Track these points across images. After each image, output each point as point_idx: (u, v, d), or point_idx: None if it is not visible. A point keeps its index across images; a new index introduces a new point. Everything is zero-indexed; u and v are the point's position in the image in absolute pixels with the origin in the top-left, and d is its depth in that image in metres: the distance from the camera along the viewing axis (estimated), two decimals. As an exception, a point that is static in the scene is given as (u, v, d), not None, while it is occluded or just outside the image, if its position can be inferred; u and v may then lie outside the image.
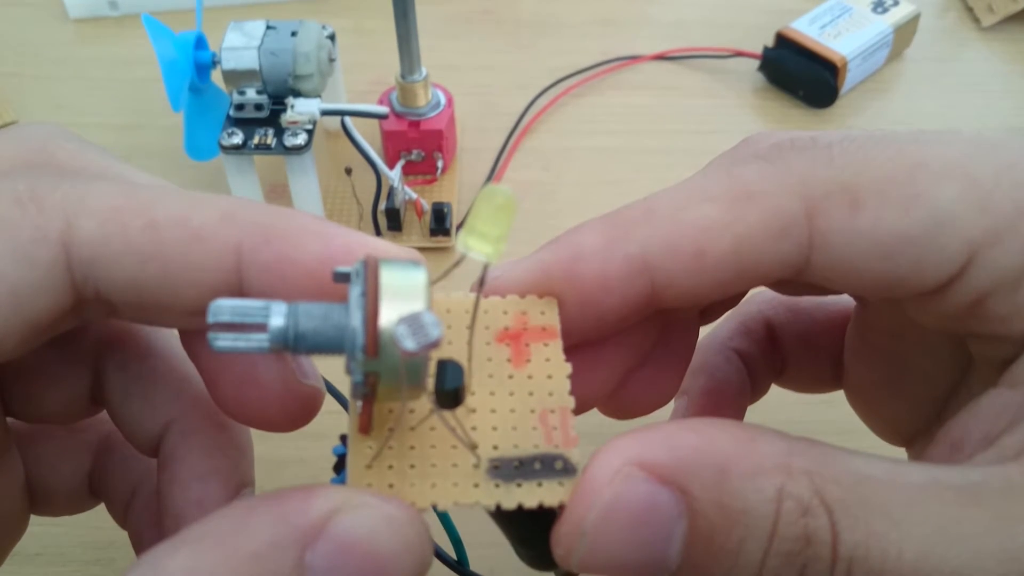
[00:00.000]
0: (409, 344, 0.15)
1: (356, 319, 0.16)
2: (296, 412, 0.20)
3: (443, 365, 0.17)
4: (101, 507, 0.26)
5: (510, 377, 0.19)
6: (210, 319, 0.17)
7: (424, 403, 0.18)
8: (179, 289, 0.18)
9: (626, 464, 0.16)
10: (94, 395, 0.23)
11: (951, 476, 0.16)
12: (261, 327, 0.17)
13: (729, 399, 0.27)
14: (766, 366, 0.28)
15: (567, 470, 0.18)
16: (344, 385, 0.19)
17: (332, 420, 0.22)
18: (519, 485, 0.17)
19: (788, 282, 0.20)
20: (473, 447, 0.18)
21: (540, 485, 0.17)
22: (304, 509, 0.15)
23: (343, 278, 0.17)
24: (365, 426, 0.18)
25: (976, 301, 0.18)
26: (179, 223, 0.18)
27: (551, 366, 0.19)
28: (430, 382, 0.17)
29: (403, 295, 0.16)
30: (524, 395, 0.19)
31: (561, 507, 0.17)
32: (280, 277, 0.18)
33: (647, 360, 0.23)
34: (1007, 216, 0.18)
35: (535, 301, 0.20)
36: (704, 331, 0.26)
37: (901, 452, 0.25)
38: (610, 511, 0.16)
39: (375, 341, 0.16)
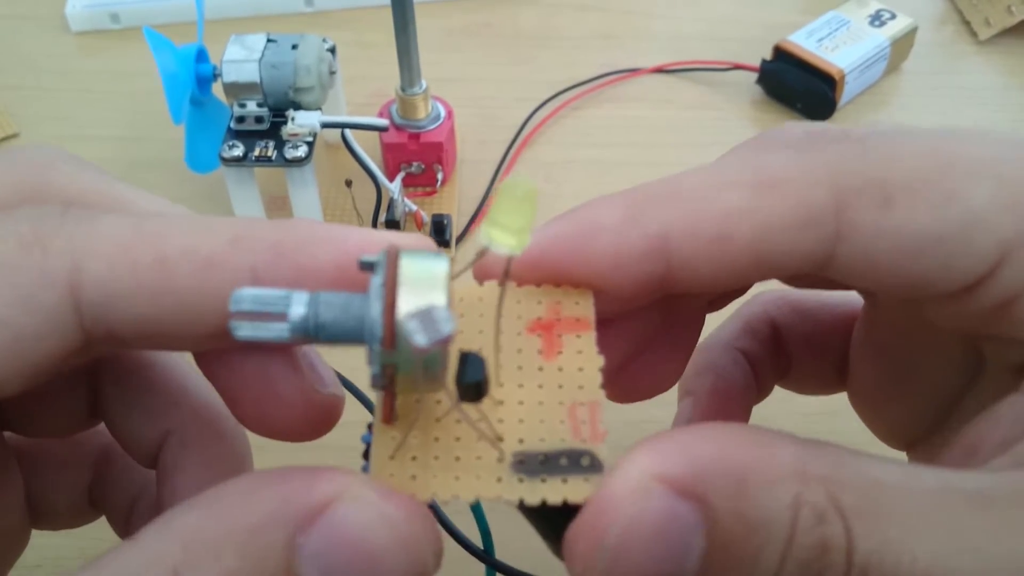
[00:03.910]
0: (420, 339, 0.15)
1: (375, 310, 0.16)
2: (317, 422, 0.20)
3: (465, 358, 0.17)
4: (100, 519, 0.26)
5: (540, 369, 0.19)
6: (232, 307, 0.17)
7: (450, 394, 0.17)
8: (195, 319, 0.18)
9: (646, 478, 0.16)
10: (91, 408, 0.23)
11: (965, 482, 0.16)
12: (282, 316, 0.17)
13: (736, 400, 0.27)
14: (771, 367, 0.27)
15: (594, 467, 0.17)
16: (363, 377, 0.18)
17: (352, 406, 0.22)
18: (543, 481, 0.17)
19: (804, 276, 0.20)
20: (498, 440, 0.18)
21: (565, 481, 0.17)
22: (306, 491, 0.16)
23: (369, 267, 0.17)
24: (388, 416, 0.18)
25: (1003, 303, 0.18)
26: (189, 254, 0.18)
27: (583, 358, 0.19)
28: (452, 374, 0.17)
29: (423, 286, 0.16)
30: (553, 387, 0.18)
31: (587, 503, 0.17)
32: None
33: (651, 344, 0.23)
34: None
35: (570, 291, 0.20)
36: (707, 329, 0.26)
37: (903, 456, 0.25)
38: (631, 527, 0.16)
39: (392, 333, 0.16)
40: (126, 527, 0.25)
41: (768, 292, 0.27)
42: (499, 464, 0.17)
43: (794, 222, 0.18)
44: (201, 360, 0.20)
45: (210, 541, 0.15)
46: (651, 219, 0.19)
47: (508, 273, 0.18)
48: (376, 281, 0.16)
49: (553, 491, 0.17)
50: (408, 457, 0.17)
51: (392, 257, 0.16)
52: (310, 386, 0.20)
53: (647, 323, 0.22)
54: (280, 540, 0.15)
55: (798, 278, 0.23)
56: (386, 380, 0.16)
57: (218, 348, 0.19)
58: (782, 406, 0.29)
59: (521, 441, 0.18)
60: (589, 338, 0.19)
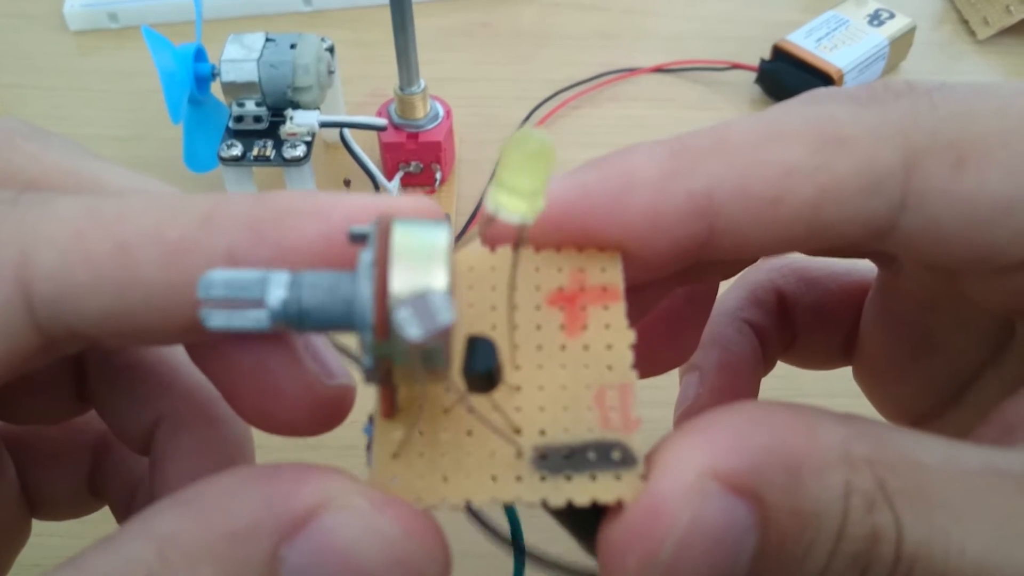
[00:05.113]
0: (414, 332, 0.13)
1: (365, 293, 0.14)
2: (326, 417, 0.18)
3: (473, 343, 0.15)
4: (100, 515, 0.25)
5: (562, 348, 0.16)
6: (201, 294, 0.15)
7: (458, 383, 0.16)
8: (166, 312, 0.16)
9: (702, 478, 0.14)
10: (80, 392, 0.22)
11: (1010, 463, 0.15)
12: (259, 303, 0.15)
13: (744, 373, 0.25)
14: (777, 338, 0.26)
15: (626, 460, 0.15)
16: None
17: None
18: (568, 478, 0.15)
19: (851, 248, 0.18)
20: (516, 432, 0.16)
21: (594, 479, 0.15)
22: (292, 495, 0.14)
23: (360, 239, 0.15)
24: (388, 410, 0.16)
25: None
26: (153, 239, 0.16)
27: (611, 334, 0.17)
28: (459, 363, 0.15)
29: (420, 262, 0.14)
30: (578, 368, 0.16)
31: (618, 505, 0.15)
32: None
33: (666, 314, 0.21)
34: None
35: (595, 255, 0.17)
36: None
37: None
38: (690, 537, 0.14)
39: (385, 320, 0.14)
40: (126, 517, 0.24)
41: (773, 259, 0.26)
42: (517, 461, 0.15)
43: (859, 186, 0.16)
44: (193, 352, 0.19)
45: (187, 548, 0.14)
46: (696, 174, 0.17)
47: (521, 241, 0.16)
48: (366, 258, 0.14)
49: (580, 490, 0.15)
50: (414, 455, 0.15)
51: (384, 229, 0.14)
52: (315, 378, 0.18)
53: (665, 289, 0.20)
54: (262, 551, 0.14)
55: (843, 249, 0.21)
56: (381, 374, 0.15)
57: (205, 340, 0.18)
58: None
59: (543, 433, 0.16)
60: (618, 310, 0.17)
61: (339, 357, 0.19)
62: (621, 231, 0.17)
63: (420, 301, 0.13)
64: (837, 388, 0.26)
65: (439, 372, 0.15)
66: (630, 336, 0.17)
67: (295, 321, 0.15)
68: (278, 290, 0.15)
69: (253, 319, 0.15)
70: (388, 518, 0.14)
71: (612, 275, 0.17)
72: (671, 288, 0.21)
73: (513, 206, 0.15)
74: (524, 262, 0.17)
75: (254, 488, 0.14)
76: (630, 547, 0.14)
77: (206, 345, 0.18)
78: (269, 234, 0.16)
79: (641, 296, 0.19)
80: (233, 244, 0.16)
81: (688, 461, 0.14)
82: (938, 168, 0.16)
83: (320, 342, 0.19)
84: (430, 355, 0.14)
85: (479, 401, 0.16)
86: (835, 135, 0.16)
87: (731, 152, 0.17)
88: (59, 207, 0.16)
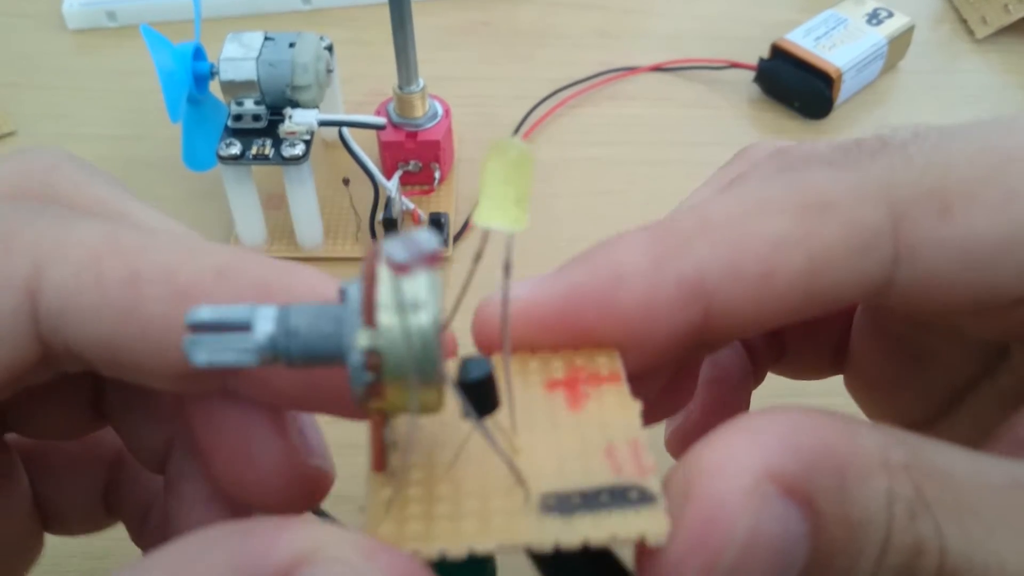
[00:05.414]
0: (399, 253, 0.13)
1: (355, 295, 0.14)
2: (299, 495, 0.18)
3: (465, 360, 0.15)
4: (115, 531, 0.25)
5: (566, 419, 0.16)
6: (187, 320, 0.15)
7: (450, 427, 0.15)
8: (161, 352, 0.16)
9: (759, 480, 0.13)
10: (96, 408, 0.21)
11: None
12: (245, 327, 0.14)
13: (734, 387, 0.25)
14: (766, 351, 0.26)
15: (644, 499, 0.14)
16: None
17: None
18: (582, 519, 0.14)
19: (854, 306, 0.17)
20: (521, 482, 0.15)
21: (611, 514, 0.14)
22: (268, 550, 0.13)
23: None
24: (379, 462, 0.15)
25: None
26: (164, 278, 0.16)
27: (617, 405, 0.16)
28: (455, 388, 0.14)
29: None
30: (587, 431, 0.15)
31: (640, 546, 0.14)
32: None
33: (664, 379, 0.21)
34: None
35: (592, 353, 0.17)
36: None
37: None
38: (750, 544, 0.13)
39: (372, 305, 0.13)
40: (140, 534, 0.23)
41: None
42: (524, 505, 0.14)
43: (849, 248, 0.16)
44: (183, 405, 0.18)
45: None
46: (684, 258, 0.16)
47: (508, 268, 0.15)
48: (355, 287, 0.14)
49: (598, 526, 0.14)
50: (411, 501, 0.15)
51: (374, 249, 0.14)
52: (295, 453, 0.17)
53: (662, 376, 0.20)
54: None
55: (887, 330, 0.20)
56: (371, 377, 0.14)
57: (193, 393, 0.17)
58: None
59: (550, 480, 0.14)
60: (622, 389, 0.16)
61: (323, 441, 0.19)
62: (616, 326, 0.17)
63: (406, 237, 0.13)
64: (836, 387, 0.26)
65: (433, 380, 0.14)
66: (636, 405, 0.16)
67: (283, 349, 0.14)
68: (266, 321, 0.15)
69: (239, 348, 0.14)
70: (380, 567, 0.13)
71: (612, 367, 0.17)
72: (668, 372, 0.20)
73: (501, 218, 0.14)
74: (518, 363, 0.17)
75: (223, 547, 0.13)
76: (687, 558, 0.13)
77: (195, 398, 0.18)
78: (275, 297, 0.16)
79: (640, 384, 0.19)
80: (239, 299, 0.16)
81: (742, 462, 0.13)
82: (925, 218, 0.16)
83: (308, 421, 0.19)
84: (423, 360, 0.14)
85: (480, 450, 0.15)
86: (818, 201, 0.16)
87: (716, 231, 0.16)
88: (81, 226, 0.16)
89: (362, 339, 0.14)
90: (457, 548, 0.14)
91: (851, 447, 0.14)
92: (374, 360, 0.14)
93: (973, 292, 0.16)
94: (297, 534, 0.13)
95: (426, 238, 0.13)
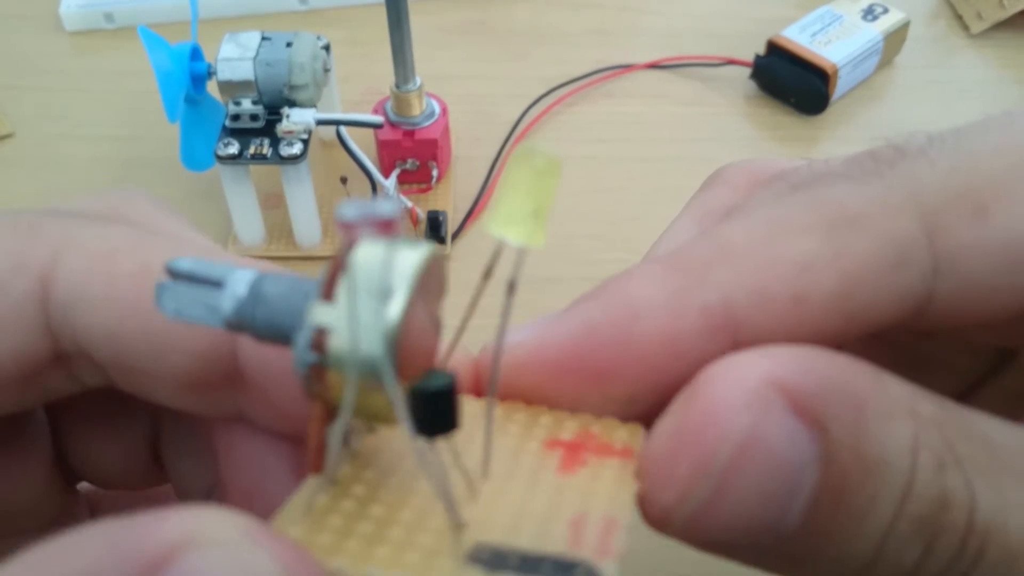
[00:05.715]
0: (349, 212, 0.12)
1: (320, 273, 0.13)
2: None
3: (430, 372, 0.13)
4: None
5: (549, 478, 0.14)
6: (167, 267, 0.14)
7: (397, 439, 0.14)
8: (164, 351, 0.16)
9: (764, 384, 0.13)
10: (155, 451, 0.21)
11: None
12: (219, 283, 0.14)
13: None
14: None
15: None
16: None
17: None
18: None
19: (890, 332, 0.16)
20: (459, 525, 0.13)
21: None
22: (147, 536, 0.12)
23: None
24: (316, 462, 0.13)
25: None
26: None
27: (613, 480, 0.14)
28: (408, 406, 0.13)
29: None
30: (564, 496, 0.14)
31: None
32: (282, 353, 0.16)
33: None
34: None
35: (613, 425, 0.15)
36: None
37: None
38: (747, 447, 0.12)
39: (332, 280, 0.12)
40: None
41: None
42: (452, 545, 0.13)
43: (884, 263, 0.15)
44: (206, 426, 0.18)
45: None
46: (706, 287, 0.15)
47: (513, 287, 0.14)
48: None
49: None
50: (333, 511, 0.13)
51: (352, 226, 0.13)
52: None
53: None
54: None
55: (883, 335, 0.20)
56: (315, 356, 0.13)
57: (201, 411, 0.17)
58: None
59: (493, 532, 0.13)
60: (628, 467, 0.15)
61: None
62: (636, 364, 0.15)
63: (365, 202, 0.12)
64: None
65: (378, 385, 0.12)
66: (634, 487, 0.14)
67: (249, 312, 0.14)
68: (240, 283, 0.14)
69: (208, 307, 0.14)
70: (266, 554, 0.12)
71: (629, 442, 0.15)
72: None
73: (516, 231, 0.13)
74: (528, 414, 0.15)
75: (100, 539, 0.12)
76: (679, 454, 0.13)
77: (216, 426, 0.18)
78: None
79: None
80: None
81: (749, 368, 0.13)
82: (960, 222, 0.15)
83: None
84: (369, 348, 0.12)
85: (424, 452, 0.13)
86: (844, 216, 0.15)
87: (738, 257, 0.15)
88: (107, 226, 0.16)
89: (315, 314, 0.12)
90: (354, 571, 0.12)
91: (874, 387, 0.13)
92: (321, 339, 0.12)
93: (1021, 295, 0.15)
94: (179, 519, 0.12)
95: (386, 206, 0.12)
